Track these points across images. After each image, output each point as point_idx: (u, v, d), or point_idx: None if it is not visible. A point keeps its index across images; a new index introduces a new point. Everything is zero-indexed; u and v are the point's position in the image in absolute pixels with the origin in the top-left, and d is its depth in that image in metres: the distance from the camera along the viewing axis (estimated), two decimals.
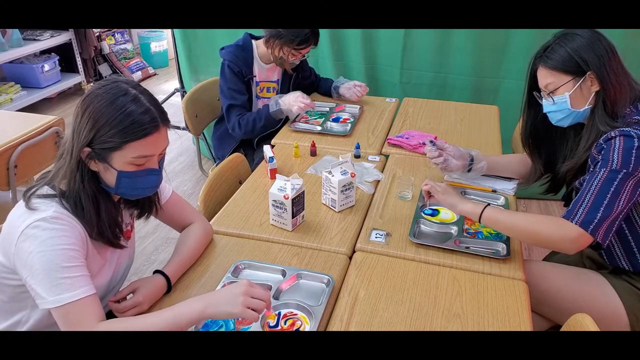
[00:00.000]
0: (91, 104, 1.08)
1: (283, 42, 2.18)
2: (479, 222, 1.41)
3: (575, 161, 1.46)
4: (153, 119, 1.10)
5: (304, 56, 2.29)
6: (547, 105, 1.46)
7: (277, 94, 2.43)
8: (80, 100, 1.11)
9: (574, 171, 1.48)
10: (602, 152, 1.32)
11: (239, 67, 2.26)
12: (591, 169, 1.35)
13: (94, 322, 1.06)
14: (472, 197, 1.71)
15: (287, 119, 2.32)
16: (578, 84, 1.38)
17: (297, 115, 2.29)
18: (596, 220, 1.25)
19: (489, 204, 1.43)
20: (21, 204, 1.11)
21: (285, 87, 2.45)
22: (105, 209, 1.17)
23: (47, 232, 1.06)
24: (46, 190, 1.13)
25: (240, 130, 2.26)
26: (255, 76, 2.34)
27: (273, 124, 2.27)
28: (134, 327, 1.06)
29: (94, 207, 1.14)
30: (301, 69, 2.47)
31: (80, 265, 1.09)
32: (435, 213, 1.63)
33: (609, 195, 1.26)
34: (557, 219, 1.31)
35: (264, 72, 2.37)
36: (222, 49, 2.31)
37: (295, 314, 1.23)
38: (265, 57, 2.31)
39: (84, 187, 1.12)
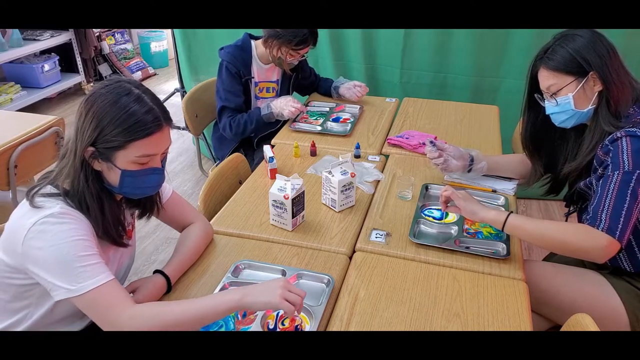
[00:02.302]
0: (95, 103, 1.09)
1: (281, 43, 2.18)
2: (502, 230, 1.38)
3: (578, 162, 1.45)
4: (156, 118, 1.11)
5: (302, 56, 2.29)
6: (549, 106, 1.46)
7: (276, 94, 2.43)
8: (83, 100, 1.12)
9: (577, 172, 1.48)
10: (610, 154, 1.31)
11: (236, 68, 2.26)
12: (600, 172, 1.35)
13: (126, 304, 1.07)
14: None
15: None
16: (581, 84, 1.38)
17: (298, 115, 2.30)
18: (620, 225, 1.24)
19: (512, 212, 1.39)
20: (24, 203, 1.11)
21: (285, 87, 2.45)
22: (109, 208, 1.18)
23: (56, 226, 1.06)
24: (49, 189, 1.13)
25: (231, 132, 2.28)
26: (253, 77, 2.34)
27: (264, 127, 2.28)
28: (171, 311, 1.08)
29: (98, 206, 1.14)
30: (301, 69, 2.47)
31: (96, 254, 1.10)
32: (443, 217, 1.62)
33: (627, 198, 1.25)
34: (583, 226, 1.29)
35: (263, 72, 2.37)
36: (222, 49, 2.31)
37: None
38: (265, 57, 2.31)
39: (88, 186, 1.13)
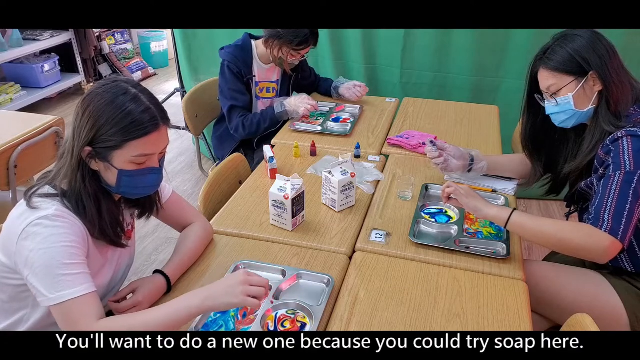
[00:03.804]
0: (91, 103, 1.09)
1: (282, 43, 2.18)
2: (505, 227, 1.37)
3: (579, 162, 1.45)
4: (153, 117, 1.11)
5: (303, 56, 2.29)
6: (550, 107, 1.46)
7: (276, 94, 2.43)
8: (80, 99, 1.12)
9: (578, 172, 1.48)
10: (611, 154, 1.31)
11: (238, 68, 2.26)
12: (601, 172, 1.35)
13: (93, 320, 1.05)
14: None
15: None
16: (581, 84, 1.38)
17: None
18: (623, 226, 1.23)
19: (515, 209, 1.38)
20: (22, 203, 1.11)
21: (285, 87, 2.45)
22: (106, 208, 1.17)
23: (48, 229, 1.06)
24: (47, 189, 1.13)
25: (245, 132, 2.27)
26: (254, 76, 2.34)
27: (276, 125, 2.28)
28: (133, 324, 1.06)
29: (95, 207, 1.14)
30: (301, 70, 2.46)
31: (81, 263, 1.09)
32: (442, 211, 1.63)
33: (629, 199, 1.25)
34: (585, 226, 1.28)
35: (264, 72, 2.37)
36: (222, 49, 2.31)
37: (287, 316, 1.23)
38: (265, 57, 2.31)
39: (85, 186, 1.12)
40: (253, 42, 2.33)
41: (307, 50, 2.25)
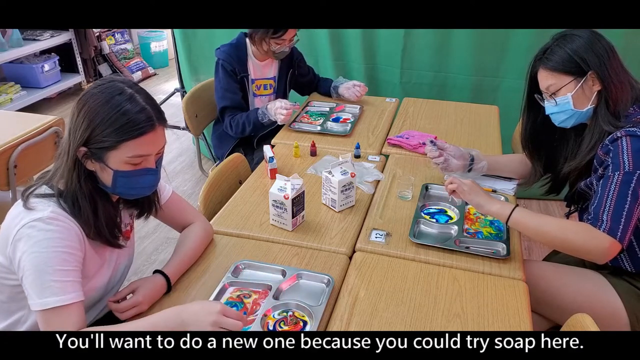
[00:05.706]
0: (87, 103, 1.08)
1: (262, 35, 2.20)
2: (506, 223, 1.38)
3: (578, 161, 1.45)
4: (149, 118, 1.10)
5: (292, 41, 2.26)
6: (549, 107, 1.46)
7: (274, 90, 2.44)
8: (76, 99, 1.11)
9: (577, 172, 1.48)
10: (610, 154, 1.31)
11: (232, 66, 2.26)
12: (600, 172, 1.35)
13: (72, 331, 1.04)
14: None
15: None
16: (580, 84, 1.38)
17: (298, 115, 2.31)
18: (621, 227, 1.24)
19: (517, 205, 1.38)
20: (19, 203, 1.11)
21: (282, 83, 2.45)
22: (103, 209, 1.16)
23: (42, 232, 1.05)
24: (44, 189, 1.13)
25: (232, 131, 2.30)
26: (249, 74, 2.34)
27: (263, 127, 2.27)
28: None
29: (91, 207, 1.13)
30: (297, 66, 2.47)
31: (72, 270, 1.08)
32: (443, 211, 1.63)
33: (628, 199, 1.25)
34: (585, 225, 1.29)
35: (260, 69, 2.37)
36: (218, 48, 2.32)
37: (285, 319, 1.23)
38: (259, 54, 2.32)
39: (80, 186, 1.12)
40: (248, 40, 2.33)
41: (292, 34, 2.22)
